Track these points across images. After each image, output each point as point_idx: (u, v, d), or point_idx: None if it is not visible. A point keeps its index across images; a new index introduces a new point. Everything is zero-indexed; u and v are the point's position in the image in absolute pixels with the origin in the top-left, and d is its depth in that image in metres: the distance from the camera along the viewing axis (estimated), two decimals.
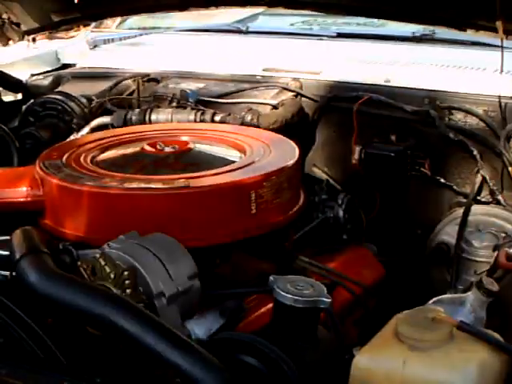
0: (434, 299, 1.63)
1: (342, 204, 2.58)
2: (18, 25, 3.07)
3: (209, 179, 2.03)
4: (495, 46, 2.69)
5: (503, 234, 2.37)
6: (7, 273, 1.78)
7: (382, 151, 2.59)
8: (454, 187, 2.58)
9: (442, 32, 3.03)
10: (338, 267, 2.25)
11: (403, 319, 1.41)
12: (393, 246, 2.69)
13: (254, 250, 2.34)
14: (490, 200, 2.50)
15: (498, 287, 1.58)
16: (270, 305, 1.97)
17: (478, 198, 2.52)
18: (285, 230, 2.32)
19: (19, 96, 3.17)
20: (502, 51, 2.30)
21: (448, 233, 2.48)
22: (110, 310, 1.53)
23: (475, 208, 2.46)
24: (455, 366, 1.33)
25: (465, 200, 2.53)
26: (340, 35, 3.23)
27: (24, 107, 3.01)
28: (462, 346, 1.36)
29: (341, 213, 2.57)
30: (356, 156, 2.67)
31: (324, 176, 2.77)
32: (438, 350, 1.35)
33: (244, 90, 2.84)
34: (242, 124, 2.61)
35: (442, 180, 2.58)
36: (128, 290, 1.70)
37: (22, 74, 3.21)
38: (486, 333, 1.38)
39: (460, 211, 2.47)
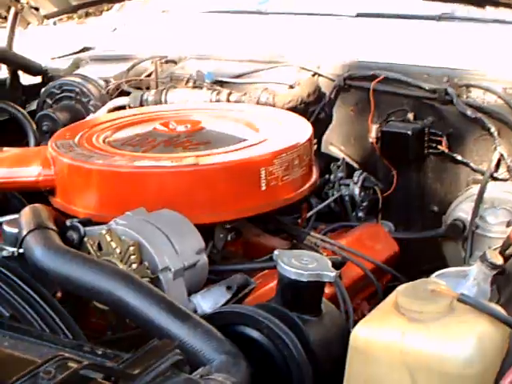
0: (438, 272, 1.61)
1: (357, 182, 2.59)
2: (37, 9, 3.10)
3: (218, 157, 2.03)
4: None
5: None
6: (13, 249, 1.80)
7: (400, 129, 2.57)
8: (471, 164, 2.54)
9: (461, 10, 2.98)
10: (350, 244, 2.24)
11: (403, 291, 1.39)
12: (409, 224, 2.67)
13: (267, 227, 2.35)
14: (508, 177, 2.46)
15: (502, 260, 1.56)
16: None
17: (495, 175, 2.48)
18: (297, 207, 2.33)
19: (38, 79, 3.19)
20: None
21: (463, 209, 2.45)
22: (113, 284, 1.54)
23: (491, 185, 2.43)
24: (454, 337, 1.31)
25: (482, 177, 2.49)
26: (359, 14, 3.20)
27: (42, 90, 3.03)
28: (462, 318, 1.34)
29: (356, 191, 2.58)
30: (373, 134, 2.65)
31: (341, 154, 2.76)
32: (437, 321, 1.33)
33: (261, 70, 2.83)
34: (258, 103, 2.60)
35: (459, 157, 2.55)
36: (134, 265, 1.72)
37: (41, 57, 3.22)
38: (486, 305, 1.36)
39: (476, 188, 2.44)
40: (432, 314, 1.34)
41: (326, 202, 2.53)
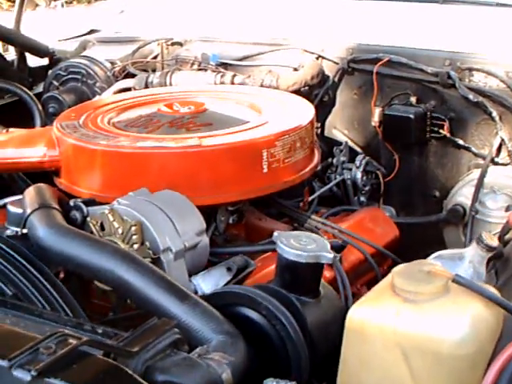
0: (435, 254, 1.63)
1: (359, 166, 2.60)
2: None
3: (221, 138, 2.05)
4: None
5: None
6: (16, 229, 1.83)
7: (402, 113, 2.57)
8: (473, 149, 2.55)
9: None
10: (351, 228, 2.26)
11: (399, 272, 1.41)
12: (410, 209, 2.68)
13: (269, 210, 2.37)
14: (508, 162, 2.47)
15: (497, 242, 1.58)
16: None
17: (496, 159, 2.49)
18: (300, 190, 2.35)
19: (45, 61, 3.21)
20: None
21: (464, 194, 2.46)
22: (113, 263, 1.57)
23: (492, 169, 2.44)
24: (447, 318, 1.33)
25: (483, 162, 2.50)
26: None
27: (49, 72, 3.04)
28: (457, 299, 1.36)
29: (359, 175, 2.59)
30: (376, 118, 2.66)
31: (344, 138, 2.77)
32: (431, 302, 1.36)
33: (265, 53, 2.84)
34: (262, 86, 2.61)
35: (461, 142, 2.56)
36: (135, 245, 1.74)
37: (49, 39, 3.24)
38: (481, 286, 1.38)
39: (477, 173, 2.45)
40: (427, 294, 1.37)
41: (328, 185, 2.54)
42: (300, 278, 1.59)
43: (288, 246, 1.58)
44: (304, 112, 2.25)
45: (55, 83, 2.98)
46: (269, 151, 2.04)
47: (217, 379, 1.31)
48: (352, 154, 2.67)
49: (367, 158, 2.62)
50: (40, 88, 3.10)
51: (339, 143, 2.71)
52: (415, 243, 2.49)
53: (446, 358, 1.32)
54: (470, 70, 2.54)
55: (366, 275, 2.27)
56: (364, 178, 2.59)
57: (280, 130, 2.08)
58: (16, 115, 2.73)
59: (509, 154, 2.47)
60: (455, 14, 2.95)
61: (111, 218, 1.77)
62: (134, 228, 1.73)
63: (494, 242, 1.56)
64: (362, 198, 2.61)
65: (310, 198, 2.43)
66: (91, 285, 1.87)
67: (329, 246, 1.60)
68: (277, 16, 3.10)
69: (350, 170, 2.60)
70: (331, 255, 1.58)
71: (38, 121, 2.74)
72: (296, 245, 1.59)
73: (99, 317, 1.82)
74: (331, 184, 2.55)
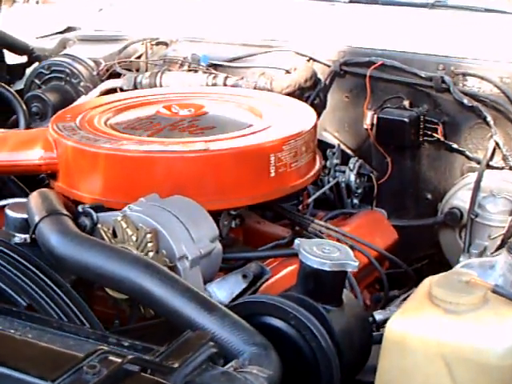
0: (463, 263, 1.62)
1: (353, 169, 2.58)
2: None
3: (228, 142, 2.01)
4: (508, 12, 2.69)
5: None
6: (24, 236, 1.76)
7: (396, 116, 2.57)
8: (467, 153, 2.56)
9: None
10: (352, 231, 2.24)
11: (437, 282, 1.40)
12: (402, 211, 2.68)
13: (264, 214, 2.34)
14: (503, 166, 2.48)
15: None
16: (289, 269, 2.00)
17: (491, 163, 2.50)
18: (295, 193, 2.32)
19: (24, 59, 3.12)
20: None
21: (460, 197, 2.47)
22: (136, 272, 1.51)
23: (488, 173, 2.45)
24: (491, 328, 1.32)
25: (477, 165, 2.51)
26: (352, 1, 3.18)
27: (30, 70, 2.96)
28: (497, 310, 1.35)
29: (352, 177, 2.57)
30: (368, 121, 2.65)
31: (335, 141, 2.75)
32: (472, 312, 1.34)
33: (255, 55, 2.81)
34: (255, 88, 2.58)
35: (455, 145, 2.56)
36: (150, 253, 1.69)
37: (27, 36, 3.15)
38: None
39: (472, 176, 2.46)
40: (467, 305, 1.35)
41: (324, 188, 2.52)
42: (324, 286, 1.56)
43: (312, 254, 1.55)
44: (306, 116, 2.22)
45: (37, 82, 2.89)
46: (276, 156, 2.01)
47: None
48: (343, 157, 2.65)
49: (360, 160, 2.61)
50: (18, 86, 3.01)
51: (330, 145, 2.69)
52: (408, 246, 2.49)
53: (491, 369, 1.31)
54: (464, 74, 2.55)
55: (367, 279, 2.26)
56: (357, 180, 2.58)
57: (287, 135, 2.05)
58: None
59: (503, 158, 2.49)
60: (445, 18, 2.95)
61: (124, 225, 1.71)
62: (149, 235, 1.68)
63: None
64: (355, 201, 2.59)
65: (307, 202, 2.40)
66: (94, 292, 1.82)
67: (352, 254, 1.58)
68: (267, 17, 3.07)
69: (344, 172, 2.59)
70: (356, 263, 1.56)
71: (22, 120, 2.66)
72: (320, 253, 1.56)
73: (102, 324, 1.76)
74: (327, 187, 2.52)
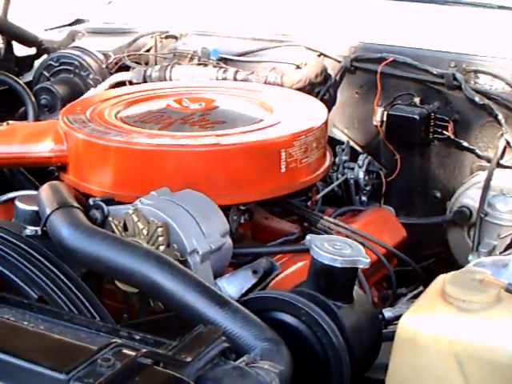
0: (475, 261, 1.61)
1: (362, 166, 2.57)
2: None
3: (239, 137, 2.00)
4: None
5: None
6: (35, 228, 1.76)
7: (407, 113, 2.56)
8: (477, 151, 2.55)
9: None
10: (360, 229, 2.23)
11: (450, 280, 1.39)
12: (410, 209, 2.67)
13: (273, 209, 2.34)
14: None
15: None
16: (298, 264, 1.99)
17: (501, 162, 2.49)
18: (304, 189, 2.31)
19: (33, 50, 3.11)
20: None
21: (470, 196, 2.46)
22: (148, 266, 1.50)
23: (498, 172, 2.44)
24: (505, 327, 1.31)
25: (487, 164, 2.50)
26: None
27: (39, 62, 2.96)
28: (510, 309, 1.34)
29: (361, 174, 2.57)
30: (378, 117, 2.64)
31: (343, 137, 2.74)
32: (486, 311, 1.33)
33: (266, 49, 2.80)
34: (266, 83, 2.57)
35: (465, 144, 2.55)
36: (161, 247, 1.68)
37: (35, 28, 3.14)
38: None
39: (482, 175, 2.45)
40: (481, 303, 1.34)
41: (333, 185, 2.51)
42: (335, 282, 1.55)
43: (323, 250, 1.55)
44: (317, 111, 2.22)
45: (46, 74, 2.89)
46: (287, 151, 2.00)
47: None
48: (352, 154, 2.64)
49: (369, 157, 2.60)
50: (26, 78, 3.01)
51: (339, 142, 2.68)
52: (415, 244, 2.48)
53: (503, 368, 1.30)
54: (476, 72, 2.54)
55: (375, 276, 2.25)
56: (366, 177, 2.58)
57: (298, 130, 2.04)
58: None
59: None
60: (457, 15, 2.94)
61: (135, 219, 1.71)
62: (160, 229, 1.68)
63: None
64: (363, 198, 2.59)
65: (316, 198, 2.39)
66: (103, 285, 1.81)
67: (364, 251, 1.58)
68: (278, 12, 3.06)
69: (352, 169, 2.58)
70: (368, 260, 1.55)
71: (31, 112, 2.65)
72: (331, 249, 1.56)
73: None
74: (335, 183, 2.52)
